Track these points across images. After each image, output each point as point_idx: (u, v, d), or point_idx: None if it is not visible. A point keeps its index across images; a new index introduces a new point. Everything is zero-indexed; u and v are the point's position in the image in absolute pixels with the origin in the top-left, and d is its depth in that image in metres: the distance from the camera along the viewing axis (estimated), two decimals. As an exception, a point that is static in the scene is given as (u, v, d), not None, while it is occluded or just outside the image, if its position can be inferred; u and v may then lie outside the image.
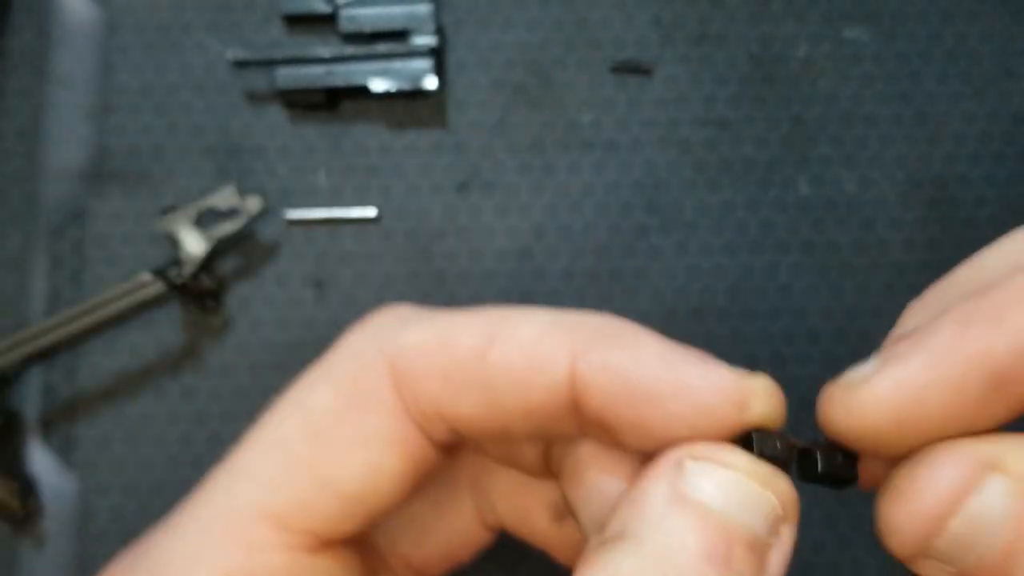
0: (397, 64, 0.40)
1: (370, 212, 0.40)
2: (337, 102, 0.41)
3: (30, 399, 0.39)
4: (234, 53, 0.40)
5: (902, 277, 0.40)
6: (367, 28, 0.41)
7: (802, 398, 0.39)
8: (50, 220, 0.40)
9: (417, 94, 0.41)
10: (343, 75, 0.40)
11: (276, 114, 0.41)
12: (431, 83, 0.40)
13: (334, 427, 0.22)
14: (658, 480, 0.20)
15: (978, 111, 0.41)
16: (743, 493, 0.20)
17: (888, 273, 0.40)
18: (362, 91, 0.40)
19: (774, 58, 0.42)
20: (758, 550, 0.20)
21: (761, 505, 0.20)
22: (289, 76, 0.40)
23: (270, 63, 0.40)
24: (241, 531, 0.22)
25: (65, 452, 0.39)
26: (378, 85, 0.40)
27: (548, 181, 0.41)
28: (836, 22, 0.42)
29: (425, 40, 0.40)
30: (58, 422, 0.39)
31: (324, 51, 0.40)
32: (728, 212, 0.40)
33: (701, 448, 0.20)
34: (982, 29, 0.42)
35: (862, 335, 0.39)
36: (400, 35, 0.41)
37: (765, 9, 0.42)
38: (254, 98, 0.41)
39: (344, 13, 0.41)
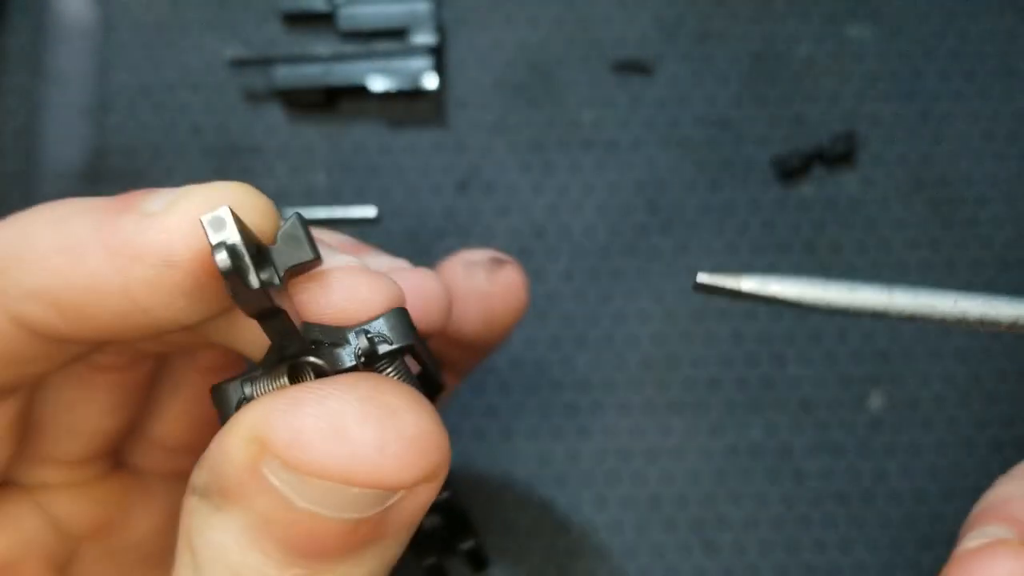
0: (396, 63, 0.40)
1: (370, 212, 0.40)
2: (336, 101, 0.41)
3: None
4: (232, 52, 0.40)
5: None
6: (366, 26, 0.41)
7: (803, 399, 0.39)
8: (47, 220, 0.40)
9: (416, 93, 0.41)
10: (342, 74, 0.40)
11: (275, 113, 0.41)
12: (431, 82, 0.40)
13: None
14: (237, 447, 0.18)
15: (981, 110, 0.41)
16: (320, 492, 0.18)
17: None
18: (361, 90, 0.40)
19: (776, 57, 0.41)
20: (352, 534, 0.18)
21: (345, 499, 0.18)
22: (288, 75, 0.40)
23: (268, 62, 0.40)
24: None
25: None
26: (377, 84, 0.40)
27: (548, 181, 0.40)
28: (839, 20, 0.42)
29: (425, 38, 0.40)
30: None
31: (323, 50, 0.40)
32: (729, 212, 0.40)
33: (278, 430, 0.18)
34: (985, 28, 0.41)
35: (864, 336, 0.39)
36: (399, 33, 0.41)
37: (767, 7, 0.42)
38: (252, 97, 0.41)
39: (343, 11, 0.41)
